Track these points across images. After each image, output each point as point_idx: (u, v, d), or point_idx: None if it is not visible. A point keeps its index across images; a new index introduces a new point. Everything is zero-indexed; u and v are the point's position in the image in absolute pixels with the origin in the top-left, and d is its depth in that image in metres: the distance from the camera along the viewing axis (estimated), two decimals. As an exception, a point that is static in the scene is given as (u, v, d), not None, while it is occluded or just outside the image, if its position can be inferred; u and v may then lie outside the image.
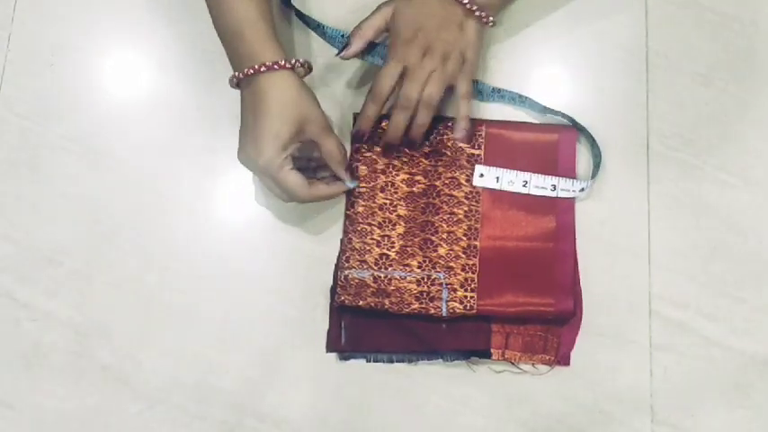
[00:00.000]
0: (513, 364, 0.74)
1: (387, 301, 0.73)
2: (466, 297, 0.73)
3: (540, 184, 0.75)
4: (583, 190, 0.75)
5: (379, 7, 0.75)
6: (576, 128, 0.77)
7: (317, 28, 0.79)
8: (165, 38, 0.81)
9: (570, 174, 0.76)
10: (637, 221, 0.77)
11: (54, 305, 0.75)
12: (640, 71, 0.79)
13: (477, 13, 0.73)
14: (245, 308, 0.75)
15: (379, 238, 0.75)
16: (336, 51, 0.76)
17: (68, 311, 0.75)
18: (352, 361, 0.74)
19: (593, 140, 0.76)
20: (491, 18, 0.74)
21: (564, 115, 0.77)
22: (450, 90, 0.74)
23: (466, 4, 0.72)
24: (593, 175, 0.76)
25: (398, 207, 0.75)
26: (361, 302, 0.73)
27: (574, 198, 0.76)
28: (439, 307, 0.73)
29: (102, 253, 0.76)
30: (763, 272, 0.76)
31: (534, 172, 0.76)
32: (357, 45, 0.75)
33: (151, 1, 0.81)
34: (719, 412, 0.74)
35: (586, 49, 0.80)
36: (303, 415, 0.74)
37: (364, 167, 0.76)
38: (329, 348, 0.74)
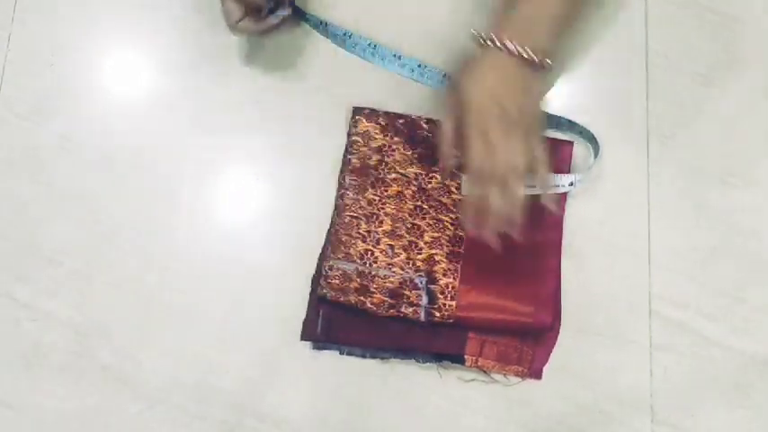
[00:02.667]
0: (485, 372, 0.74)
1: (368, 301, 0.73)
2: (446, 305, 0.73)
3: (528, 183, 0.74)
4: (572, 184, 0.75)
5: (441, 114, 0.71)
6: (576, 130, 0.77)
7: (319, 26, 0.79)
8: (165, 37, 0.81)
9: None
10: (637, 221, 0.77)
11: (54, 305, 0.75)
12: (640, 71, 0.79)
13: (540, 62, 0.68)
14: (245, 308, 0.75)
15: (364, 233, 0.75)
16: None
17: (68, 311, 0.75)
18: (350, 359, 0.74)
19: (594, 138, 0.76)
20: (549, 61, 0.69)
21: (562, 118, 0.77)
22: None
23: (527, 58, 0.67)
24: (590, 167, 0.76)
25: (386, 205, 0.75)
26: (342, 299, 0.73)
27: (563, 207, 0.75)
28: (418, 313, 0.73)
29: (102, 253, 0.76)
30: (763, 272, 0.76)
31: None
32: (448, 161, 0.71)
33: (151, 0, 0.81)
34: (719, 412, 0.74)
35: (586, 49, 0.80)
36: (303, 415, 0.74)
37: (357, 161, 0.76)
38: (304, 336, 0.74)
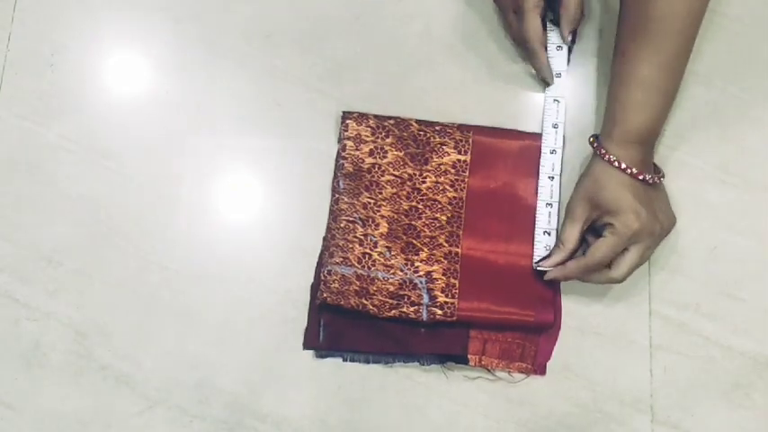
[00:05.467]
0: (489, 370, 0.74)
1: (369, 303, 0.73)
2: (447, 303, 0.73)
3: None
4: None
5: (569, 208, 0.73)
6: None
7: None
8: (165, 38, 0.81)
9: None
10: (637, 221, 0.76)
11: (54, 305, 0.75)
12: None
13: (653, 180, 0.71)
14: (245, 308, 0.75)
15: (361, 237, 0.75)
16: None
17: (68, 311, 0.75)
18: (346, 360, 0.74)
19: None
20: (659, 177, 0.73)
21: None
22: None
23: (647, 178, 0.70)
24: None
25: (382, 207, 0.76)
26: (342, 302, 0.73)
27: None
28: (420, 312, 0.73)
29: (102, 253, 0.76)
30: (763, 272, 0.76)
31: (520, 178, 0.76)
32: (558, 258, 0.73)
33: (151, 1, 0.81)
34: (719, 412, 0.74)
35: (586, 48, 0.80)
36: (303, 415, 0.74)
37: (350, 165, 0.76)
38: (306, 345, 0.74)
